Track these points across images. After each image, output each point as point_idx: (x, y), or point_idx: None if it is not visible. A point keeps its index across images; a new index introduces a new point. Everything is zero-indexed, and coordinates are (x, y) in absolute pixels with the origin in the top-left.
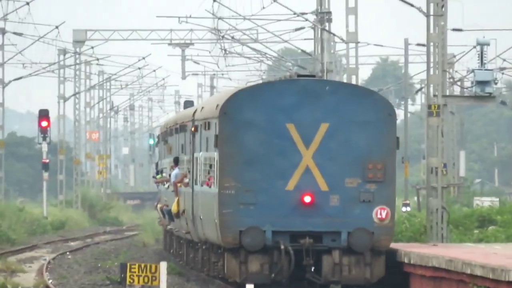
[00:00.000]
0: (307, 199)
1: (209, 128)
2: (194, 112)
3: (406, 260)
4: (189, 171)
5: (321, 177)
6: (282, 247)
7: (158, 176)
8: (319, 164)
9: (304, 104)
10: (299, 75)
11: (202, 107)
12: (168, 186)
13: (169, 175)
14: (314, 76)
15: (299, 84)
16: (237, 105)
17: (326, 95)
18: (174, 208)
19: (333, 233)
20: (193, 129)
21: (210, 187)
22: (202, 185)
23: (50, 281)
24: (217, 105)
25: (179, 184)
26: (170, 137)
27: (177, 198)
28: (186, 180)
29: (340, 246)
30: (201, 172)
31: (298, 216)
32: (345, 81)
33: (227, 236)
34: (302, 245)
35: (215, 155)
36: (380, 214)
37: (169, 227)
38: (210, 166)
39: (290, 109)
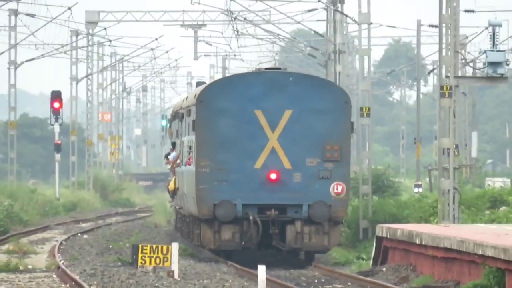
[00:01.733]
0: (273, 176)
1: (190, 115)
2: (183, 101)
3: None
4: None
5: (285, 157)
6: (251, 218)
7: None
8: (284, 146)
9: (270, 93)
10: (266, 68)
11: (187, 97)
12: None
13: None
14: (279, 69)
15: (266, 76)
16: (212, 94)
17: (290, 85)
18: (171, 186)
19: (295, 206)
20: (181, 116)
21: (190, 166)
22: (185, 165)
23: (62, 262)
24: (195, 95)
25: (174, 165)
26: (173, 122)
27: (174, 177)
28: (178, 161)
29: (301, 217)
30: (185, 154)
31: (265, 191)
32: (357, 62)
33: (203, 208)
34: (269, 216)
35: (193, 138)
36: (337, 189)
37: (171, 204)
38: (190, 148)
39: (258, 98)
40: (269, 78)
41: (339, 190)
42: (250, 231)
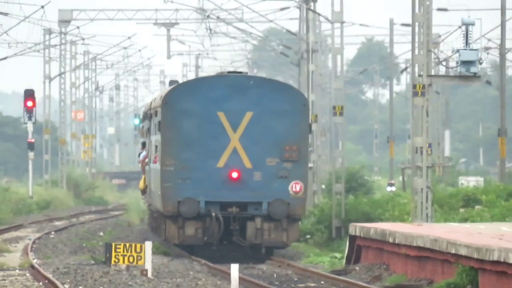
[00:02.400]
0: (235, 174)
1: (156, 116)
2: (152, 102)
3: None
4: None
5: (246, 156)
6: (213, 214)
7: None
8: (245, 146)
9: (232, 96)
10: (228, 72)
11: (155, 98)
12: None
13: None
14: (241, 72)
15: (228, 79)
16: (176, 96)
17: (251, 88)
18: (140, 184)
19: (256, 203)
20: (149, 116)
21: (156, 164)
22: (153, 164)
23: (35, 261)
24: (161, 96)
25: (144, 164)
26: (144, 122)
27: (143, 175)
28: (146, 160)
29: (261, 214)
30: (152, 153)
31: (227, 189)
32: (330, 61)
33: (167, 205)
34: (230, 213)
35: (159, 138)
36: (295, 187)
37: (143, 201)
38: (156, 147)
39: (220, 100)
40: (231, 81)
41: (297, 189)
42: (212, 227)
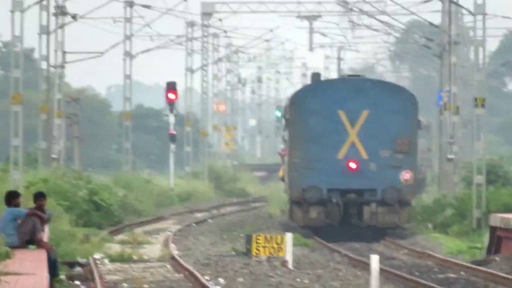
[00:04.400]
0: (353, 165)
1: (286, 114)
2: (287, 100)
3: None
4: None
5: (363, 149)
6: (334, 200)
7: None
8: (362, 140)
9: (352, 96)
10: (349, 75)
11: (288, 98)
12: None
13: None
14: (359, 75)
15: (348, 82)
16: (303, 97)
17: (368, 90)
18: (280, 173)
19: (371, 190)
20: (284, 113)
21: (286, 157)
22: (283, 157)
23: (176, 252)
24: (290, 97)
25: (282, 155)
26: (283, 119)
27: (283, 166)
28: (284, 152)
29: (376, 199)
30: (286, 146)
31: (346, 178)
32: (472, 53)
33: (294, 192)
34: (349, 198)
35: (287, 133)
36: (405, 176)
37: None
38: (286, 141)
39: (341, 100)
40: (350, 84)
41: (408, 177)
42: (333, 211)
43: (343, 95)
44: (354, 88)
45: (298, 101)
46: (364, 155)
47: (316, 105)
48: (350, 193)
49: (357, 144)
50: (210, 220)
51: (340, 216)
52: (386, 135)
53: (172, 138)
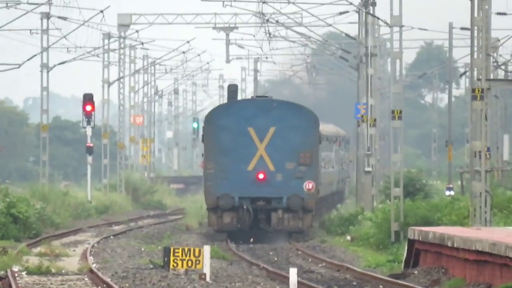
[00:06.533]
0: (261, 176)
1: (202, 130)
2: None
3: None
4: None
5: (270, 161)
6: (245, 207)
7: None
8: (269, 153)
9: (260, 114)
10: (257, 96)
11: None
12: None
13: None
14: (267, 96)
15: (256, 102)
16: (216, 115)
17: (274, 109)
18: None
19: (278, 198)
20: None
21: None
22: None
23: (94, 265)
24: (206, 115)
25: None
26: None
27: None
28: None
29: (282, 206)
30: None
31: (255, 187)
32: (389, 65)
33: (209, 200)
34: (258, 205)
35: (203, 147)
36: (308, 185)
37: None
38: (202, 154)
39: (250, 118)
40: (259, 103)
41: (310, 187)
42: (244, 217)
43: (252, 114)
44: (262, 107)
45: (213, 118)
46: (271, 167)
47: (228, 122)
48: (259, 201)
49: (265, 157)
50: (128, 232)
51: (250, 221)
52: (290, 149)
53: (89, 150)
